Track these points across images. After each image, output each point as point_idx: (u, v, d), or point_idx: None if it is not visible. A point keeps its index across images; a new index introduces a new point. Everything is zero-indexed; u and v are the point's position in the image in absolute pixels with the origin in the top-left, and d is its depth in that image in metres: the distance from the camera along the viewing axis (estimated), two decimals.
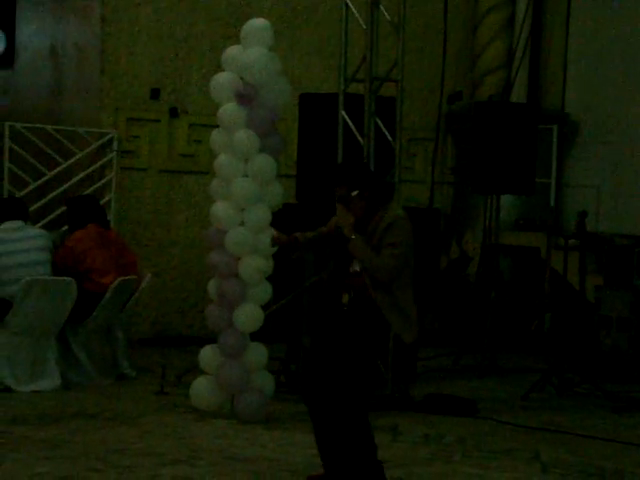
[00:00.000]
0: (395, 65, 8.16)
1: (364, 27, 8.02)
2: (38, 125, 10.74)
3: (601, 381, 9.20)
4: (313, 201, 8.82)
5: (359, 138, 8.11)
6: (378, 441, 7.12)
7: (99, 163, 10.87)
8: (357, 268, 5.73)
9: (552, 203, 12.02)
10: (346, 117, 8.15)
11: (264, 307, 7.72)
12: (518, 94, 12.18)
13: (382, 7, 8.05)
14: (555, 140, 11.98)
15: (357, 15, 8.10)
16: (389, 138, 8.23)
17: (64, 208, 9.63)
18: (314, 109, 8.79)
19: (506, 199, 11.55)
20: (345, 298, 5.83)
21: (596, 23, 12.10)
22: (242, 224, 7.54)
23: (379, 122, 8.17)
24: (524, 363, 10.24)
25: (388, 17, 8.09)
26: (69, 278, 8.48)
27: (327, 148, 8.40)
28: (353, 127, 8.13)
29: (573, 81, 12.32)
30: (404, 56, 8.20)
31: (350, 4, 8.13)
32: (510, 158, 9.97)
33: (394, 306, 5.66)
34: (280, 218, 7.97)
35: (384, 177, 8.18)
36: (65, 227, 9.58)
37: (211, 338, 7.80)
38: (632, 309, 9.82)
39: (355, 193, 5.69)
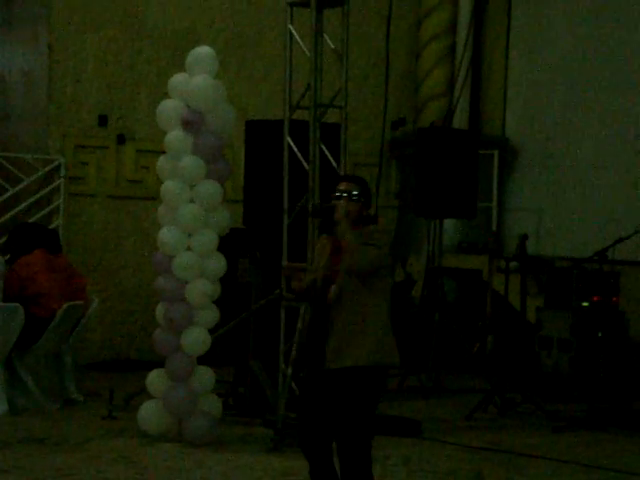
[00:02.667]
0: (339, 92, 8.29)
1: (308, 55, 8.15)
2: None
3: (542, 401, 9.37)
4: (260, 226, 8.94)
5: (304, 164, 8.22)
6: None
7: (47, 189, 10.90)
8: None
9: (494, 226, 12.24)
10: (291, 143, 8.27)
11: (211, 331, 7.80)
12: (460, 120, 12.40)
13: (326, 35, 8.19)
14: (496, 165, 12.23)
15: (301, 43, 8.24)
16: (334, 164, 8.35)
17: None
18: (260, 135, 8.92)
19: (449, 223, 11.74)
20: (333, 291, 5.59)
21: (535, 50, 12.36)
22: (189, 249, 7.63)
23: (324, 148, 8.28)
24: (467, 384, 10.39)
25: (332, 45, 8.23)
26: (15, 304, 8.50)
27: (273, 174, 8.52)
28: (298, 153, 8.24)
29: (513, 107, 12.56)
30: (348, 83, 8.32)
31: (294, 32, 8.26)
32: (452, 183, 10.16)
33: (345, 327, 5.38)
34: (227, 243, 8.07)
35: (329, 201, 8.28)
36: (7, 256, 9.54)
37: (159, 362, 7.85)
38: (572, 330, 10.01)
39: (362, 199, 5.50)
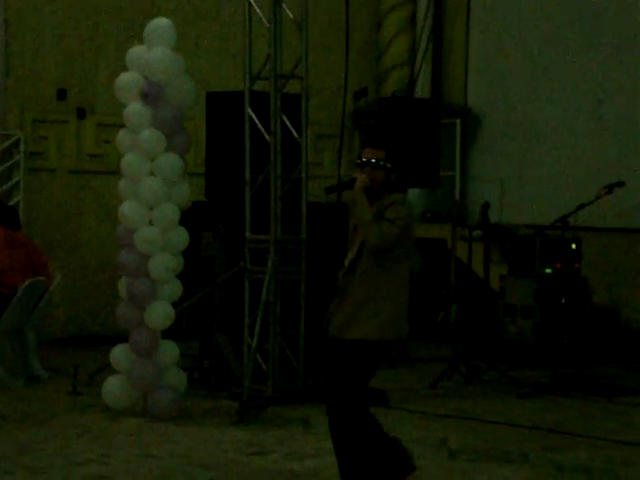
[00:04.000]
0: (299, 62, 8.25)
1: (267, 25, 8.10)
2: None
3: (507, 368, 9.43)
4: (222, 199, 8.90)
5: (266, 135, 8.18)
6: (289, 433, 7.29)
7: (6, 165, 10.79)
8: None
9: (457, 195, 12.27)
10: (252, 115, 8.22)
11: (175, 305, 7.77)
12: (422, 89, 12.39)
13: (285, 5, 8.13)
14: (458, 134, 12.25)
15: (260, 14, 8.18)
16: (295, 135, 8.31)
17: None
18: (221, 107, 8.86)
19: (412, 192, 11.75)
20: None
21: (496, 19, 12.35)
22: (151, 223, 7.58)
23: (285, 119, 8.24)
24: (433, 352, 10.44)
25: (291, 15, 8.18)
26: None
27: (234, 146, 8.48)
28: (260, 124, 8.19)
29: (475, 76, 12.56)
30: (308, 53, 8.28)
31: (253, 3, 8.20)
32: (415, 152, 10.13)
33: (356, 299, 5.33)
34: (190, 216, 8.04)
35: (292, 173, 8.27)
36: None
37: (123, 337, 7.83)
38: (536, 297, 10.07)
39: (388, 165, 5.31)
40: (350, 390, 5.41)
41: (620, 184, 9.44)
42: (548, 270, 10.10)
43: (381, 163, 5.29)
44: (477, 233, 9.81)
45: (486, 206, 9.54)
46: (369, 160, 5.29)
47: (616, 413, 8.17)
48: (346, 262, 5.44)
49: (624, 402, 8.51)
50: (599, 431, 7.48)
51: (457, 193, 12.31)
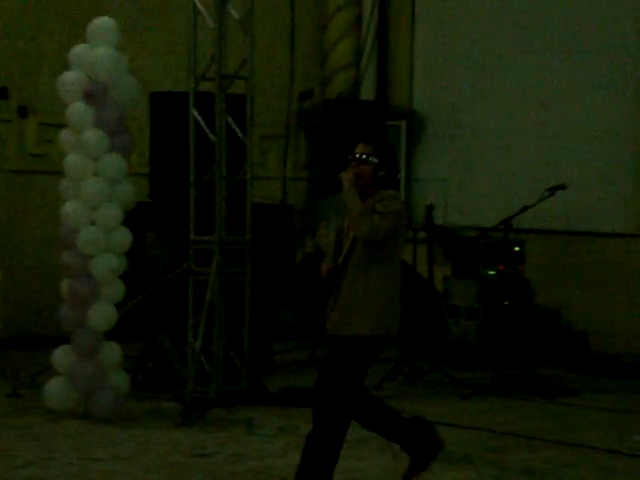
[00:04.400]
0: (244, 63, 8.23)
1: (212, 26, 8.07)
2: None
3: (450, 369, 9.48)
4: (167, 199, 8.85)
5: (211, 136, 8.16)
6: (233, 435, 7.27)
7: None
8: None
9: (402, 197, 12.29)
10: (197, 115, 8.19)
11: (118, 306, 7.72)
12: (367, 91, 12.41)
13: (230, 6, 8.11)
14: (403, 136, 12.28)
15: (205, 14, 8.15)
16: (240, 136, 8.30)
17: None
18: (165, 108, 8.82)
19: None
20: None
21: (441, 20, 12.41)
22: (93, 223, 7.53)
23: (230, 120, 8.23)
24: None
25: (236, 16, 8.16)
26: None
27: (179, 146, 8.44)
28: (204, 125, 8.17)
29: (420, 78, 12.60)
30: (254, 55, 8.27)
31: (198, 3, 8.17)
32: None
33: (348, 295, 5.39)
34: (134, 217, 7.99)
35: (237, 174, 8.25)
36: None
37: (65, 338, 7.76)
38: (479, 298, 10.13)
39: (374, 160, 5.38)
40: (339, 389, 5.42)
41: (562, 187, 9.55)
42: (491, 272, 10.17)
43: (369, 159, 5.35)
44: (421, 235, 9.86)
45: (430, 208, 9.59)
46: (355, 155, 5.38)
47: (557, 414, 8.26)
48: (339, 260, 5.51)
49: (565, 403, 8.60)
50: (540, 432, 7.55)
51: (402, 195, 12.35)
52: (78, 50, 7.59)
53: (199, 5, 8.19)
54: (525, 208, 9.35)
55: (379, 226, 5.24)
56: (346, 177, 5.35)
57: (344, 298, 5.40)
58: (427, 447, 5.65)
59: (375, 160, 5.37)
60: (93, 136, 7.45)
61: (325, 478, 5.48)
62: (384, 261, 5.38)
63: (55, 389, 7.67)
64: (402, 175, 12.33)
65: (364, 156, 5.36)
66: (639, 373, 9.78)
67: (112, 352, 7.67)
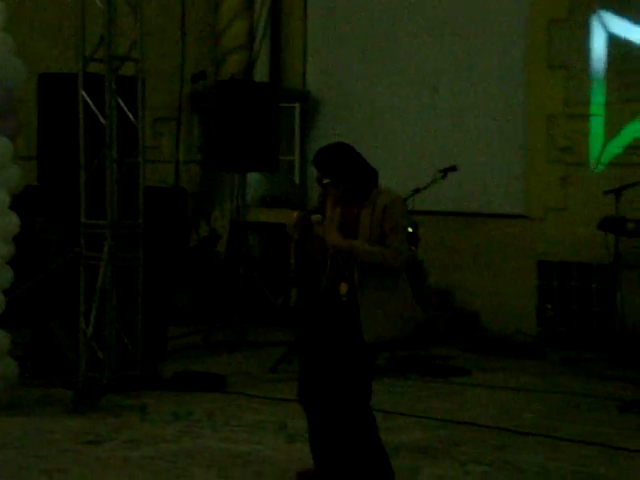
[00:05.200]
0: (134, 44, 8.13)
1: (101, 6, 7.95)
2: None
3: None
4: (55, 183, 8.69)
5: (101, 118, 8.04)
6: (126, 421, 7.21)
7: None
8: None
9: (297, 180, 12.31)
10: (86, 97, 8.06)
11: (7, 292, 7.56)
12: (261, 73, 12.35)
13: None
14: (298, 118, 12.27)
15: None
16: (131, 118, 8.19)
17: None
18: (54, 89, 8.64)
19: (253, 177, 11.74)
20: (344, 288, 5.43)
21: (334, 2, 12.40)
22: None
23: (121, 102, 8.12)
24: (273, 337, 10.45)
25: None
26: None
27: (68, 129, 8.29)
28: (94, 107, 8.05)
29: (314, 60, 12.59)
30: (145, 36, 8.17)
31: None
32: (254, 136, 10.14)
33: (378, 300, 5.36)
34: (22, 201, 7.82)
35: (129, 157, 8.15)
36: None
37: None
38: None
39: (327, 181, 5.44)
40: (365, 388, 5.43)
41: (453, 169, 9.65)
42: None
43: (324, 181, 5.45)
44: (316, 217, 9.84)
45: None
46: (318, 178, 5.48)
47: (450, 393, 8.36)
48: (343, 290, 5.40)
49: (458, 382, 8.71)
50: (434, 412, 7.64)
51: (297, 177, 12.36)
52: None
53: None
54: (417, 190, 9.42)
55: (403, 250, 5.33)
56: (332, 240, 5.41)
57: (368, 307, 5.33)
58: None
59: (327, 181, 5.44)
60: None
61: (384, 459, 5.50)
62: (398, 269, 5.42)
63: None
64: (296, 157, 12.33)
65: (318, 179, 5.47)
66: (529, 352, 9.97)
67: (0, 339, 7.51)
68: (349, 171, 5.44)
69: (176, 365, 8.89)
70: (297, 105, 12.26)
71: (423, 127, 11.73)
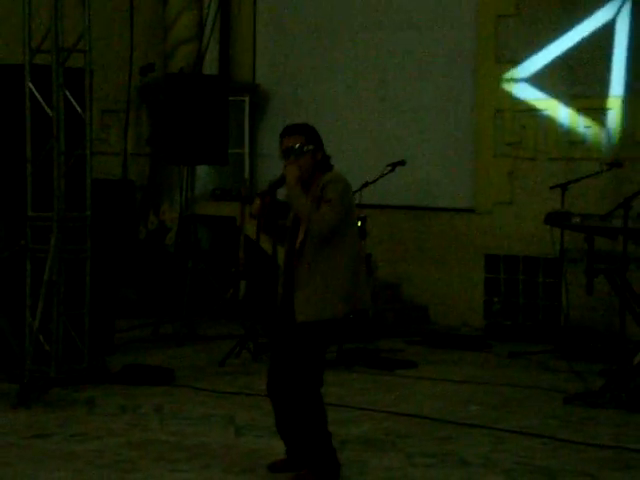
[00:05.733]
0: (82, 36, 8.08)
1: None
2: None
3: None
4: (1, 175, 8.62)
5: (48, 110, 7.98)
6: (73, 415, 7.18)
7: None
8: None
9: (246, 173, 12.30)
10: (33, 89, 7.99)
11: None
12: (210, 66, 12.32)
13: None
14: (247, 111, 12.26)
15: None
16: (79, 110, 8.14)
17: None
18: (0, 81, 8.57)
19: (202, 170, 11.71)
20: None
21: None
22: None
23: (68, 94, 8.06)
24: (222, 330, 10.45)
25: None
26: None
27: (15, 121, 8.22)
28: (41, 99, 7.98)
29: (262, 52, 12.58)
30: (93, 27, 8.12)
31: None
32: (203, 129, 10.12)
33: (313, 279, 5.44)
34: None
35: (77, 149, 8.10)
36: None
37: None
38: None
39: (310, 147, 5.46)
40: (311, 373, 5.50)
41: (402, 162, 9.71)
42: None
43: (305, 148, 5.42)
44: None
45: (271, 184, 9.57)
46: (292, 147, 5.41)
47: (397, 386, 8.41)
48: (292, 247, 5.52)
49: (404, 375, 8.76)
50: (381, 404, 7.68)
51: (246, 171, 12.35)
52: None
53: None
54: (366, 184, 9.47)
55: (330, 220, 5.33)
56: (291, 173, 5.40)
57: (303, 284, 5.44)
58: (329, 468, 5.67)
59: (311, 147, 5.45)
60: None
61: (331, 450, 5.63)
62: (338, 245, 5.45)
63: None
64: (246, 150, 12.32)
65: (302, 146, 5.42)
66: (475, 345, 10.06)
67: None
68: (319, 141, 5.56)
69: (124, 358, 8.86)
70: (246, 98, 12.25)
71: (372, 120, 11.77)
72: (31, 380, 7.57)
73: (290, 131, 5.54)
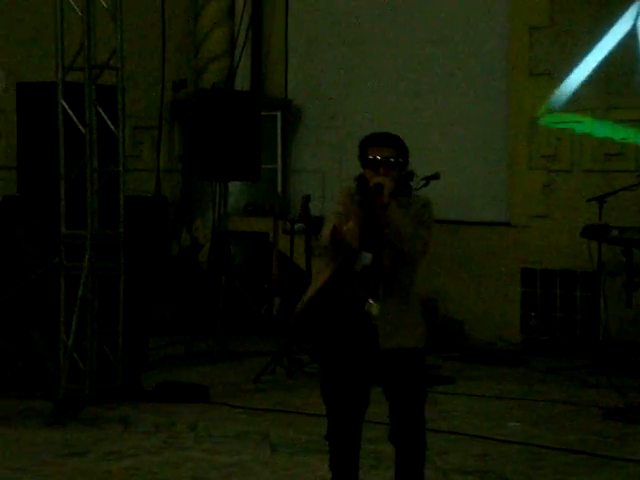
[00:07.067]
0: (114, 53, 8.08)
1: (80, 14, 7.90)
2: None
3: None
4: (35, 193, 8.63)
5: (81, 127, 7.98)
6: (107, 433, 7.15)
7: None
8: (367, 261, 4.83)
9: (279, 188, 12.27)
10: (66, 106, 8.00)
11: None
12: (242, 81, 12.32)
13: None
14: (279, 126, 12.23)
15: (72, 2, 7.97)
16: (112, 127, 8.14)
17: None
18: (33, 98, 8.59)
19: (234, 186, 11.69)
20: (375, 308, 4.87)
21: (315, 9, 12.37)
22: None
23: (101, 111, 8.07)
24: (256, 347, 10.40)
25: (104, 4, 8.00)
26: None
27: (48, 138, 8.23)
28: (74, 116, 7.99)
29: (295, 68, 12.56)
30: (125, 44, 8.12)
31: None
32: (236, 145, 10.09)
33: (403, 310, 5.03)
34: (1, 211, 7.76)
35: (109, 166, 8.10)
36: None
37: None
38: None
39: (401, 161, 4.99)
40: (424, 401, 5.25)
41: (436, 176, 9.60)
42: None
43: (398, 160, 4.97)
44: (299, 226, 9.83)
45: (307, 199, 9.54)
46: (387, 159, 4.94)
47: (434, 402, 8.29)
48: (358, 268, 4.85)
49: (442, 391, 8.66)
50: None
51: (279, 186, 12.32)
52: None
53: None
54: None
55: (428, 241, 4.96)
56: (387, 185, 4.80)
57: (393, 311, 4.95)
58: None
59: (401, 160, 4.99)
60: None
61: None
62: (416, 270, 5.09)
63: None
64: (278, 166, 12.29)
65: (392, 159, 4.95)
66: (512, 360, 9.95)
67: None
68: (407, 155, 5.09)
69: (158, 376, 8.82)
70: (278, 113, 12.23)
71: (405, 135, 11.65)
72: (66, 398, 7.55)
73: (383, 141, 5.05)
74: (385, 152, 4.99)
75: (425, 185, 9.59)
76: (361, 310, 4.83)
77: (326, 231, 4.88)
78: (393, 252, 4.89)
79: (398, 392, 5.11)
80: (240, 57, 12.05)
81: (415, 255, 4.96)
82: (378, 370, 5.06)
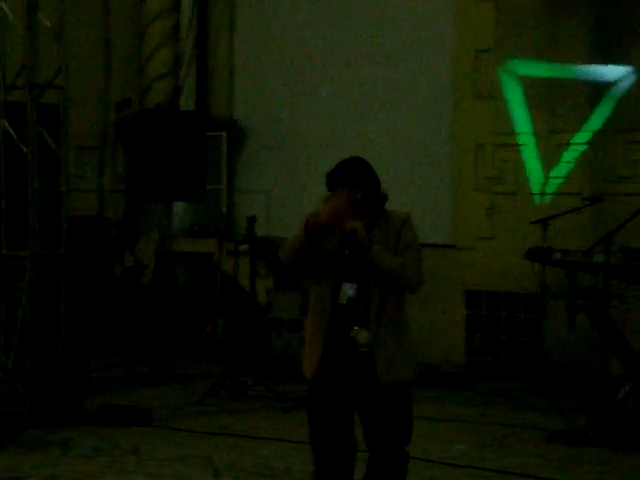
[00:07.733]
0: (59, 72, 8.00)
1: (22, 32, 7.81)
2: None
3: (274, 382, 9.41)
4: None
5: (22, 147, 7.89)
6: (48, 457, 7.02)
7: None
8: (350, 293, 4.75)
9: (223, 209, 12.20)
10: (7, 126, 7.91)
11: None
12: (187, 101, 12.25)
13: (40, 12, 7.86)
14: (224, 146, 12.18)
15: (14, 20, 7.88)
16: (53, 147, 8.05)
17: None
18: None
19: (179, 206, 11.60)
20: (363, 335, 4.70)
21: (261, 30, 12.35)
22: None
23: (43, 130, 7.98)
24: (199, 369, 10.31)
25: (48, 23, 7.92)
26: None
27: None
28: (15, 136, 7.90)
29: (240, 87, 12.52)
30: (69, 63, 8.05)
31: (6, 8, 7.89)
32: (180, 165, 10.02)
33: (398, 341, 4.83)
34: None
35: (52, 186, 8.00)
36: None
37: None
38: (302, 310, 10.09)
39: (360, 195, 4.82)
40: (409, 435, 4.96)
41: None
42: None
43: (366, 197, 4.82)
44: (243, 247, 9.76)
45: (252, 220, 9.49)
46: (359, 200, 4.78)
47: None
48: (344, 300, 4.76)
49: None
50: (362, 444, 7.52)
51: (223, 207, 12.25)
52: None
53: (7, 10, 7.89)
54: None
55: (419, 266, 4.84)
56: (360, 230, 4.67)
57: (387, 344, 4.77)
58: None
59: (373, 195, 4.85)
60: None
61: None
62: (405, 298, 4.94)
63: None
64: (223, 186, 12.23)
65: (360, 196, 4.80)
66: (457, 382, 9.95)
67: None
68: (376, 184, 4.92)
69: (100, 398, 8.70)
70: (224, 134, 12.17)
71: (353, 154, 11.67)
72: (5, 421, 7.42)
73: (351, 181, 4.87)
74: (354, 192, 4.85)
75: None
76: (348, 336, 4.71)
77: (297, 230, 4.82)
78: (383, 282, 4.79)
79: (386, 425, 4.89)
80: (185, 77, 11.98)
81: (414, 289, 4.91)
82: (367, 401, 4.87)
